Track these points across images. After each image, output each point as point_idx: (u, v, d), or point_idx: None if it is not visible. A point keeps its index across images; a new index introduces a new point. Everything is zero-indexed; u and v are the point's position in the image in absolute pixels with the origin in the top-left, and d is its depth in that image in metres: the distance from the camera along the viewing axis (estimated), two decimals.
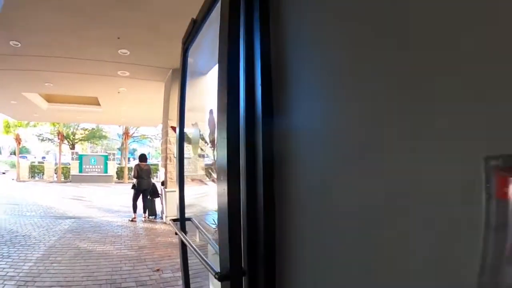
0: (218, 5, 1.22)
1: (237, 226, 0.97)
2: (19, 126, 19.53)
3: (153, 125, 16.17)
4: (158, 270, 3.66)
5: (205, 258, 1.16)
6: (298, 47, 0.85)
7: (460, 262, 0.38)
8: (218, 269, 1.01)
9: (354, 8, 0.62)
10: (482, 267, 0.35)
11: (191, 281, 1.82)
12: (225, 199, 0.94)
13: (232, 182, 0.95)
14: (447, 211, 0.41)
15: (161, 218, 6.90)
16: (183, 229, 1.67)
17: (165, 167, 6.70)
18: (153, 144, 27.45)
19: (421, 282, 0.45)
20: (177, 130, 1.79)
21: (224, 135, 0.94)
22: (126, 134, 18.47)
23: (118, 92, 8.02)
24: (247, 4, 1.04)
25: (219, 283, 0.99)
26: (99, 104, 10.47)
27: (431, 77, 0.45)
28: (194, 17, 1.58)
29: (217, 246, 1.14)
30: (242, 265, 0.97)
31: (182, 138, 1.71)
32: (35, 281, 3.38)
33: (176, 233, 1.74)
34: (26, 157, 26.97)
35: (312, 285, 0.75)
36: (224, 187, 0.94)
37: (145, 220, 6.78)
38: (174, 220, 1.82)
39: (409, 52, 0.49)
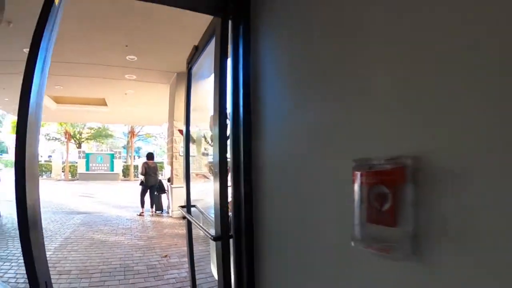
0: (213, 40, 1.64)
1: (226, 206, 1.39)
2: None
3: (158, 124, 16.64)
4: (166, 256, 4.11)
5: (205, 228, 1.59)
6: (267, 76, 1.27)
7: (345, 220, 0.76)
8: (213, 235, 1.43)
9: (298, 51, 1.03)
10: (353, 223, 0.72)
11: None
12: (218, 188, 1.37)
13: (223, 177, 1.38)
14: (339, 189, 0.79)
15: (167, 212, 7.35)
16: (189, 212, 2.09)
17: (171, 164, 7.15)
18: (157, 142, 27.99)
19: (330, 236, 0.85)
20: (184, 133, 2.21)
21: (217, 144, 1.37)
22: (131, 133, 18.98)
23: (125, 94, 8.47)
24: (234, 42, 1.46)
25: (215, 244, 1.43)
26: (106, 105, 10.92)
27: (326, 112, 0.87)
28: (196, 44, 2.00)
29: (213, 221, 1.55)
30: (230, 232, 1.40)
31: (188, 140, 2.13)
32: (56, 267, 3.81)
33: (183, 217, 2.17)
34: None
35: (277, 243, 1.17)
36: (218, 180, 1.37)
37: (152, 215, 7.24)
38: (182, 207, 2.25)
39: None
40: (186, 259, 3.01)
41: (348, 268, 0.77)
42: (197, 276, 2.34)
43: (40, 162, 22.61)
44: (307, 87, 0.98)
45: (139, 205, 7.33)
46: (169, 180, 7.30)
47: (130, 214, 7.36)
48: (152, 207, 7.42)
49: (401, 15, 0.63)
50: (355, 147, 0.76)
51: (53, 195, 10.99)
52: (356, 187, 0.71)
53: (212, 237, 1.40)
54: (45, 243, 3.92)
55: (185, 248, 3.17)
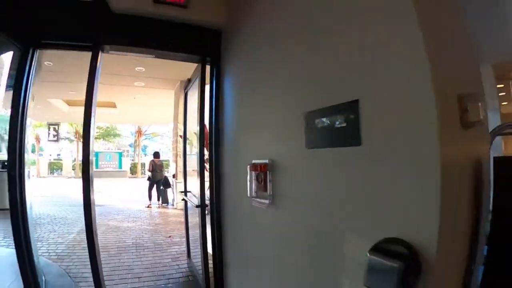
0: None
1: (204, 187, 2.30)
2: (38, 127, 21.21)
3: (165, 123, 17.61)
4: (170, 237, 5.04)
5: (193, 201, 2.51)
6: (226, 101, 2.17)
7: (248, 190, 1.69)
8: (197, 203, 2.34)
9: (235, 93, 1.93)
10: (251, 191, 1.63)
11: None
12: (200, 176, 2.29)
13: (202, 175, 2.29)
14: (245, 175, 1.71)
15: (172, 205, 8.28)
16: (185, 195, 3.01)
17: (176, 162, 8.09)
18: (163, 141, 29.03)
19: (245, 199, 1.77)
20: (182, 139, 3.12)
21: (198, 148, 2.29)
22: (139, 132, 20.01)
23: (134, 98, 9.41)
24: (211, 78, 2.35)
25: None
26: (115, 107, 11.87)
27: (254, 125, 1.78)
28: (189, 77, 2.91)
29: (199, 198, 2.46)
30: (206, 202, 2.30)
31: (185, 144, 3.04)
32: (81, 244, 4.73)
33: (183, 199, 3.08)
34: (42, 155, 28.91)
35: (229, 206, 2.09)
36: (199, 171, 2.28)
37: (158, 207, 8.19)
38: (181, 192, 3.16)
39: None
40: (185, 239, 3.90)
41: (252, 214, 1.69)
42: (192, 251, 3.22)
43: (50, 161, 23.88)
44: (235, 118, 1.89)
45: (147, 198, 8.28)
46: (174, 176, 8.23)
47: (139, 206, 8.32)
48: (158, 200, 8.36)
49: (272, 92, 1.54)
50: (251, 155, 1.67)
51: (67, 191, 12.00)
52: (250, 173, 1.61)
53: (195, 205, 2.31)
54: (68, 228, 4.96)
55: (185, 232, 4.06)
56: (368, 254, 0.82)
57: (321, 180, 1.17)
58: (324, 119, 1.16)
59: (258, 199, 1.55)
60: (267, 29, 1.64)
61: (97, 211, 6.24)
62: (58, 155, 30.28)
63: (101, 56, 2.22)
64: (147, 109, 11.77)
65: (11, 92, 2.03)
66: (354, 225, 1.01)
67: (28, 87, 2.06)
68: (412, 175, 0.81)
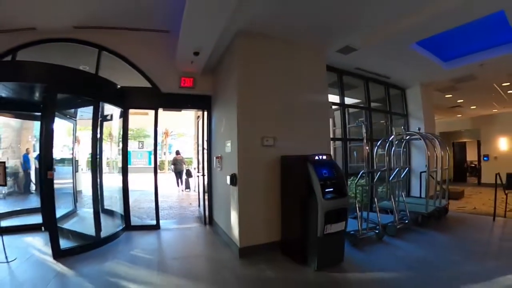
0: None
1: (204, 178, 5.47)
2: (79, 130, 25.33)
3: (187, 126, 21.03)
4: (190, 204, 8.26)
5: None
6: (213, 130, 5.35)
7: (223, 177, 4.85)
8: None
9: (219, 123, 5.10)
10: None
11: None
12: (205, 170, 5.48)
13: (209, 165, 5.47)
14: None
15: (194, 190, 11.49)
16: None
17: (197, 158, 11.29)
18: (187, 140, 32.65)
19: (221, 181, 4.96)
20: (201, 149, 6.29)
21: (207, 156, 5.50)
22: (166, 133, 23.61)
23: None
24: (208, 116, 5.53)
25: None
26: (147, 114, 15.30)
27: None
28: (198, 115, 6.06)
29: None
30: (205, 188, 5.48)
31: (203, 150, 6.21)
32: (135, 208, 7.99)
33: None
34: None
35: (214, 177, 5.27)
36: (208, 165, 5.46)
37: (183, 191, 11.43)
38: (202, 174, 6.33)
39: None
40: (197, 203, 7.01)
41: (216, 176, 4.87)
42: (200, 206, 6.39)
43: (87, 159, 28.02)
44: (214, 134, 5.06)
45: (175, 185, 11.58)
46: (195, 168, 11.45)
47: (168, 191, 11.61)
48: (180, 185, 11.61)
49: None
50: (215, 152, 4.87)
51: (108, 182, 15.58)
52: (215, 159, 4.81)
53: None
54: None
55: (202, 203, 7.20)
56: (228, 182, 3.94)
57: (231, 160, 4.26)
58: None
59: (218, 169, 4.64)
60: (225, 96, 4.72)
61: (139, 194, 9.80)
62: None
63: (157, 112, 5.39)
64: (174, 116, 15.10)
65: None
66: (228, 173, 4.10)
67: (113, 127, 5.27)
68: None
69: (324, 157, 3.69)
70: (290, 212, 3.87)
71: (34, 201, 6.68)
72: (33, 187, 8.49)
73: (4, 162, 4.05)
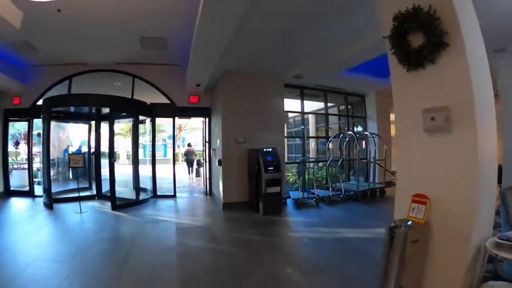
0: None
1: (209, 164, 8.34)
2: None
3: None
4: (198, 184, 11.18)
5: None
6: (212, 132, 8.21)
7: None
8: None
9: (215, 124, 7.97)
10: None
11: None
12: (207, 160, 8.37)
13: (204, 159, 8.35)
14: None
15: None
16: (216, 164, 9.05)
17: (204, 150, 14.17)
18: (199, 133, 35.74)
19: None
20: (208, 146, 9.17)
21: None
22: (179, 128, 26.69)
23: None
24: (208, 120, 8.39)
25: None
26: None
27: None
28: (203, 120, 8.89)
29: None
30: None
31: (209, 147, 9.09)
32: (159, 184, 10.94)
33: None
34: None
35: (213, 164, 8.18)
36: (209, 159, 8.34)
37: (193, 178, 14.37)
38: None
39: None
40: (204, 184, 9.84)
41: (213, 162, 7.75)
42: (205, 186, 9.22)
43: (128, 153, 31.78)
44: (212, 135, 7.92)
45: (187, 174, 14.55)
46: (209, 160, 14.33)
47: (182, 178, 14.58)
48: (192, 173, 14.55)
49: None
50: (212, 146, 7.75)
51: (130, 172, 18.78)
52: (213, 151, 7.68)
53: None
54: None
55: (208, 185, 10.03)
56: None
57: (219, 151, 7.07)
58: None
59: (213, 157, 7.47)
60: (217, 110, 7.52)
61: (159, 179, 12.85)
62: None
63: (174, 119, 8.26)
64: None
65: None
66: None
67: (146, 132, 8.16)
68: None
69: (270, 149, 6.47)
70: (251, 182, 6.71)
71: (74, 184, 9.48)
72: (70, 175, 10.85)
73: (84, 153, 7.06)
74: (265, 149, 6.45)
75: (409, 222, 2.27)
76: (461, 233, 2.05)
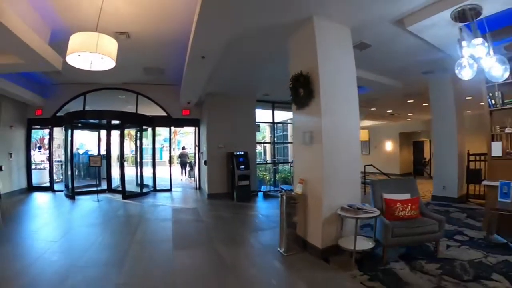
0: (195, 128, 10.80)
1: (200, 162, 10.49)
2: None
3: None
4: (190, 182, 13.28)
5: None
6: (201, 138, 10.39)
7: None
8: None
9: (207, 128, 10.15)
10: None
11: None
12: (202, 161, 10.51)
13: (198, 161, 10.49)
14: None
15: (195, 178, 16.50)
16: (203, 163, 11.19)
17: (195, 153, 16.28)
18: (193, 137, 37.84)
19: None
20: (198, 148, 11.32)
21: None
22: (175, 132, 28.78)
23: None
24: (197, 128, 10.56)
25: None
26: None
27: None
28: (194, 128, 11.03)
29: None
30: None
31: (199, 150, 11.24)
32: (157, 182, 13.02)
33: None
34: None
35: (201, 165, 10.37)
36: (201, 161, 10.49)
37: (186, 179, 16.44)
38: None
39: None
40: (198, 184, 11.92)
41: (202, 163, 9.93)
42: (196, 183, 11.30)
43: (132, 156, 33.88)
44: (201, 141, 10.09)
45: (179, 174, 16.62)
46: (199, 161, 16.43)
47: (176, 178, 16.64)
48: (185, 175, 16.63)
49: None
50: (202, 150, 9.94)
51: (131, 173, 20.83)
52: (201, 154, 9.87)
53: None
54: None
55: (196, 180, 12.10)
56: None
57: (205, 154, 9.21)
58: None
59: (202, 159, 9.57)
60: (203, 121, 9.66)
61: (157, 179, 14.87)
62: None
63: (171, 129, 10.40)
64: None
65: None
66: None
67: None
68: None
69: (242, 152, 8.67)
70: (228, 177, 8.91)
71: (85, 181, 11.70)
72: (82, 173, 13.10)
73: (101, 155, 9.16)
74: (237, 153, 8.65)
75: (290, 191, 4.48)
76: (318, 198, 4.24)
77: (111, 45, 3.88)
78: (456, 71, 3.93)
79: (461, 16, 4.03)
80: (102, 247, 4.68)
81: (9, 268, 3.69)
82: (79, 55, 3.77)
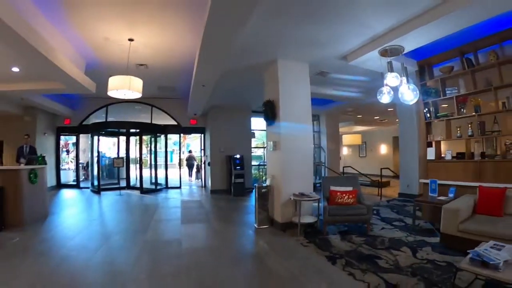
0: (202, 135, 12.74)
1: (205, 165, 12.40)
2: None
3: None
4: (197, 181, 15.17)
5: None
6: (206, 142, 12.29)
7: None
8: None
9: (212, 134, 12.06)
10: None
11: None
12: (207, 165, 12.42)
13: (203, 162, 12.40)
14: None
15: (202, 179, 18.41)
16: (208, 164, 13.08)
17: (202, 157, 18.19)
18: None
19: None
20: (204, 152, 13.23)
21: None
22: (184, 137, 30.81)
23: None
24: (204, 134, 12.47)
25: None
26: None
27: None
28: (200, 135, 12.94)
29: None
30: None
31: (205, 154, 13.14)
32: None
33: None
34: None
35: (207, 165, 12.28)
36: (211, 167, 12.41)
37: (193, 180, 18.32)
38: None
39: None
40: (201, 181, 13.77)
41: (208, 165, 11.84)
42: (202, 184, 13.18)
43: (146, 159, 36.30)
44: (206, 145, 11.99)
45: (187, 176, 18.53)
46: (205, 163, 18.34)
47: (185, 179, 18.56)
48: (192, 176, 18.52)
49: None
50: (207, 154, 11.85)
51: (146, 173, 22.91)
52: (206, 157, 11.77)
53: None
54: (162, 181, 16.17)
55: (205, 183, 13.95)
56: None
57: (209, 157, 11.08)
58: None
59: (207, 162, 11.42)
60: (207, 130, 11.54)
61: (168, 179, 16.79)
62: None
63: (180, 136, 12.31)
64: None
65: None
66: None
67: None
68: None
69: (238, 156, 10.53)
70: (227, 176, 10.75)
71: (105, 180, 13.69)
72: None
73: (122, 158, 11.15)
74: (235, 156, 10.53)
75: (263, 184, 6.29)
76: (279, 188, 6.07)
77: (138, 83, 5.82)
78: (378, 97, 5.60)
79: (389, 53, 5.55)
80: (130, 222, 6.64)
81: (66, 233, 5.66)
82: (117, 91, 5.70)
